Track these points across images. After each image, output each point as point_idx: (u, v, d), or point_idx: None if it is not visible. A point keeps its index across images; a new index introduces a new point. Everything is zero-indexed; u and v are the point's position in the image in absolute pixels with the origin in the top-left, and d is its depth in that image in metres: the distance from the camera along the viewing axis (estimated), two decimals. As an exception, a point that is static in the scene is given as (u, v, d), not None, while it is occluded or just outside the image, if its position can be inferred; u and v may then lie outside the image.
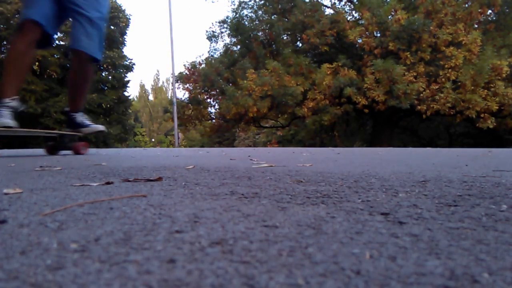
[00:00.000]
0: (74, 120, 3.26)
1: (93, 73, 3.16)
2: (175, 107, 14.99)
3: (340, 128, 17.38)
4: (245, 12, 18.65)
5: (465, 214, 0.60)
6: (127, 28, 21.21)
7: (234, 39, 18.92)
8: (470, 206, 0.67)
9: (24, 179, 1.10)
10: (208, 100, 18.58)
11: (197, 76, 18.01)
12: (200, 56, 29.12)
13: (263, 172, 1.29)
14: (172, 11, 16.65)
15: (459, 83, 13.27)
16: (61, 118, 17.92)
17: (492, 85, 13.06)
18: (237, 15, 18.71)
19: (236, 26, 18.09)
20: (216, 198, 0.75)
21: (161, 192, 0.83)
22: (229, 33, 19.26)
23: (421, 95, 13.45)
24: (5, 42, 18.72)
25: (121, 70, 20.86)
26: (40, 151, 4.21)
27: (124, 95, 21.03)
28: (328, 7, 17.99)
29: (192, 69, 18.57)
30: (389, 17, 14.40)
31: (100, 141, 18.54)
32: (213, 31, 20.21)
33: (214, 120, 19.03)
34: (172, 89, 13.01)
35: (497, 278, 0.33)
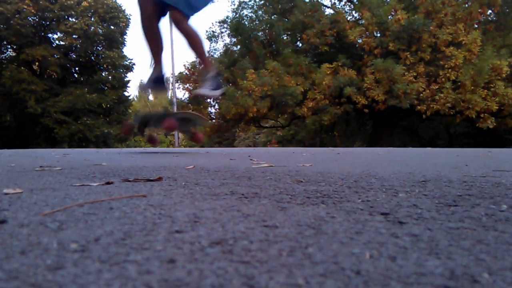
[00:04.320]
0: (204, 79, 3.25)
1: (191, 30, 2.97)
2: (175, 107, 14.97)
3: (340, 128, 17.37)
4: (245, 12, 18.64)
5: (465, 214, 0.60)
6: (127, 28, 21.19)
7: (234, 39, 18.90)
8: (470, 206, 0.67)
9: (24, 179, 1.10)
10: (208, 100, 18.56)
11: (197, 76, 18.00)
12: (200, 56, 28.97)
13: (263, 172, 1.29)
14: (172, 11, 16.57)
15: (459, 83, 13.26)
16: (61, 118, 17.87)
17: (492, 85, 13.05)
18: (237, 15, 18.69)
19: (236, 26, 18.06)
20: (216, 198, 0.75)
21: (161, 192, 0.83)
22: (229, 33, 19.24)
23: (421, 95, 13.44)
24: (5, 42, 18.67)
25: (121, 70, 20.86)
26: (40, 151, 4.21)
27: (124, 95, 21.02)
28: (328, 7, 17.98)
29: (192, 69, 18.56)
30: (389, 17, 14.39)
31: (100, 141, 18.53)
32: (213, 31, 20.19)
33: (214, 120, 19.01)
34: (172, 89, 13.00)
35: (497, 278, 0.33)
